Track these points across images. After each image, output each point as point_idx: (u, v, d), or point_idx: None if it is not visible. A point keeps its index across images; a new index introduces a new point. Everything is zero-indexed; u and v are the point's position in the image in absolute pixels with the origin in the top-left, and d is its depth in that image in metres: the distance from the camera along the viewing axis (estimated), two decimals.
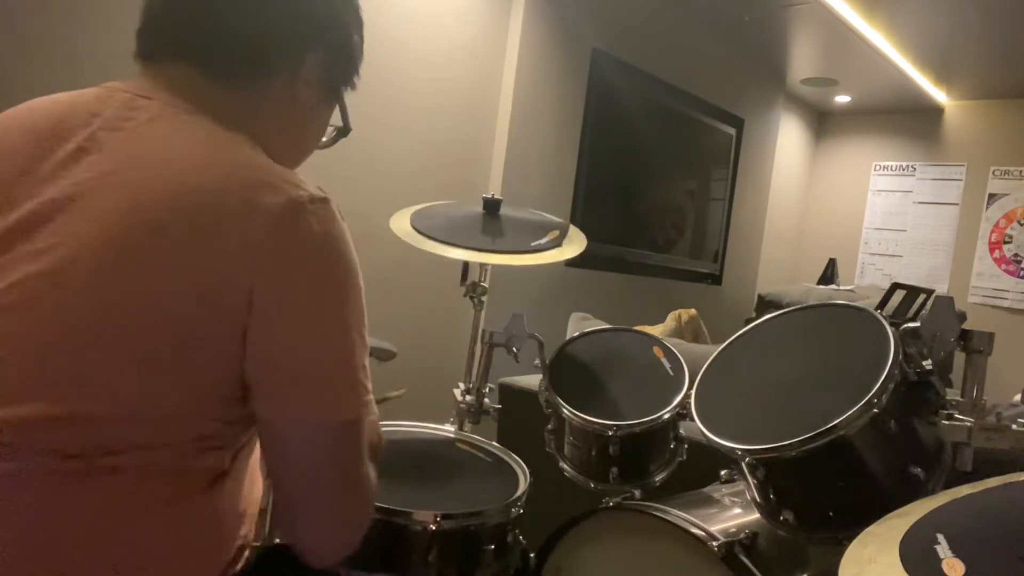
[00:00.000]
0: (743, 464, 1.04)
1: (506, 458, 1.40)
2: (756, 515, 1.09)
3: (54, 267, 0.64)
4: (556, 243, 1.54)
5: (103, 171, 0.67)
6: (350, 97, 0.92)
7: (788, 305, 2.91)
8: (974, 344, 0.98)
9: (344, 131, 0.93)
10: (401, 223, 1.58)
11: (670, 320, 2.63)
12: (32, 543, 0.64)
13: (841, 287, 4.60)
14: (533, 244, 1.52)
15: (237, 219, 0.65)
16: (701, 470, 1.35)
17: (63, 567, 0.64)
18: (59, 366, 0.64)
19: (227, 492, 0.74)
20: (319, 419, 0.69)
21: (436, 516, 1.13)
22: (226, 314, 0.65)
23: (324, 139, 0.93)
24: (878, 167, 5.10)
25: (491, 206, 1.64)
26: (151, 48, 0.78)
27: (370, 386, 0.73)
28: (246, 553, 0.78)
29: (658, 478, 1.37)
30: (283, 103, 0.81)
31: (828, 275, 4.92)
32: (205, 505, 0.71)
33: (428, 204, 1.71)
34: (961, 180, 4.73)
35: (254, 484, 0.80)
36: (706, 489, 1.31)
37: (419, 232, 1.54)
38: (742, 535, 1.06)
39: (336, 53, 0.85)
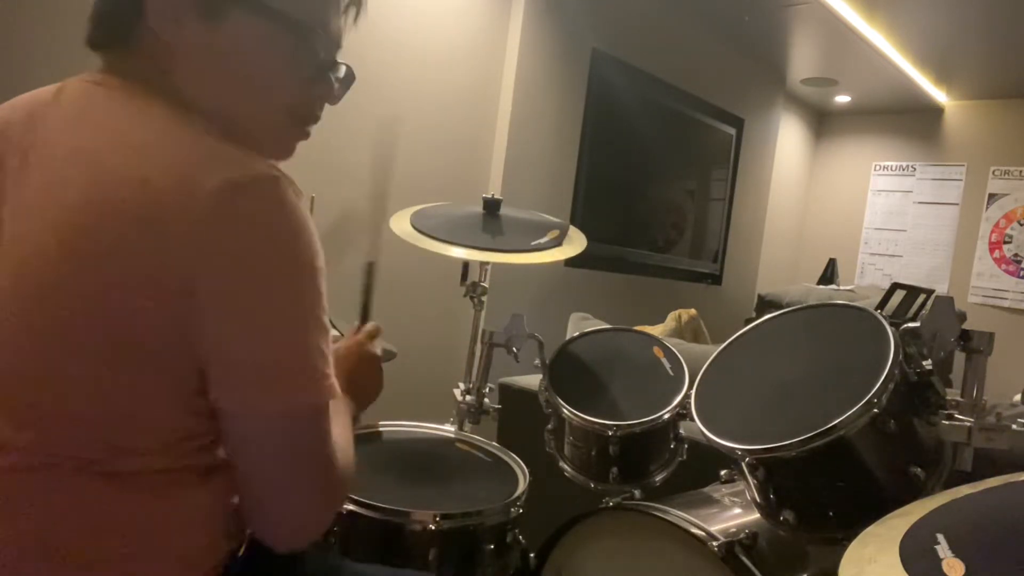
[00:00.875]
0: (743, 464, 1.04)
1: (506, 458, 1.40)
2: (756, 515, 1.09)
3: (7, 271, 0.65)
4: (556, 242, 1.54)
5: (52, 171, 0.67)
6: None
7: (788, 305, 2.91)
8: (974, 344, 0.97)
9: (297, 29, 0.76)
10: (401, 223, 1.58)
11: (670, 320, 2.63)
12: (30, 538, 0.65)
13: (841, 287, 4.60)
14: (533, 243, 1.53)
15: (173, 208, 0.63)
16: (701, 470, 1.35)
17: (62, 561, 0.65)
18: (26, 372, 0.64)
19: (222, 484, 0.74)
20: (272, 408, 0.68)
21: (435, 516, 1.13)
22: (174, 306, 0.64)
23: (336, 85, 0.82)
24: (878, 167, 5.10)
25: (491, 206, 1.64)
26: (90, 40, 0.76)
27: (329, 370, 0.70)
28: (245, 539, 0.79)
29: (658, 478, 1.37)
30: (166, 49, 0.72)
31: (828, 275, 4.92)
32: (201, 498, 0.72)
33: (428, 204, 1.71)
34: (961, 180, 4.73)
35: None
36: (706, 489, 1.31)
37: (419, 231, 1.54)
38: (742, 535, 1.06)
39: None
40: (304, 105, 0.80)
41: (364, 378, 0.99)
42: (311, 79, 0.79)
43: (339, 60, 0.83)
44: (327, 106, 0.84)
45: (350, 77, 0.85)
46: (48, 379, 0.65)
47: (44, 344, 0.64)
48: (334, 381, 0.70)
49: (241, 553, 0.77)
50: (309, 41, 0.77)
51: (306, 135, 0.83)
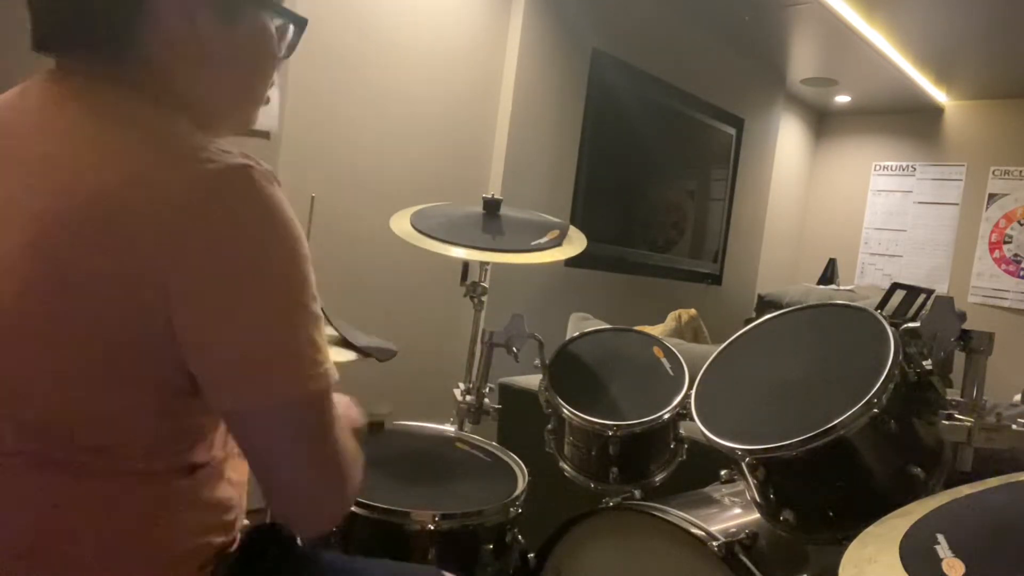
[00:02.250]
0: (743, 464, 1.04)
1: (505, 458, 1.40)
2: (756, 515, 1.10)
3: None
4: (556, 243, 1.54)
5: (11, 180, 0.66)
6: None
7: (788, 305, 2.91)
8: (974, 344, 0.97)
9: (299, 23, 0.81)
10: (401, 223, 1.58)
11: (670, 320, 2.63)
12: (16, 538, 0.65)
13: (841, 287, 4.60)
14: (533, 243, 1.52)
15: (142, 211, 0.62)
16: (701, 470, 1.35)
17: (49, 560, 0.66)
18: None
19: (206, 480, 0.74)
20: (266, 404, 0.66)
21: (435, 516, 1.13)
22: (148, 310, 0.63)
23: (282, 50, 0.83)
24: (878, 167, 5.10)
25: (491, 206, 1.64)
26: (39, 37, 0.73)
27: (321, 357, 0.68)
28: (237, 536, 0.79)
29: (658, 478, 1.37)
30: (171, 48, 0.72)
31: (828, 275, 4.92)
32: (184, 496, 0.72)
33: (428, 205, 1.71)
34: (961, 180, 4.73)
35: (235, 470, 0.80)
36: (706, 489, 1.31)
37: (419, 231, 1.54)
38: (742, 535, 1.06)
39: None
40: (269, 82, 0.82)
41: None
42: (281, 59, 0.82)
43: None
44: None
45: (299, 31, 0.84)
46: (15, 385, 0.64)
47: (16, 350, 0.64)
48: (328, 368, 0.69)
49: (234, 549, 0.77)
50: (286, 27, 0.79)
51: (267, 101, 0.84)
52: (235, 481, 0.80)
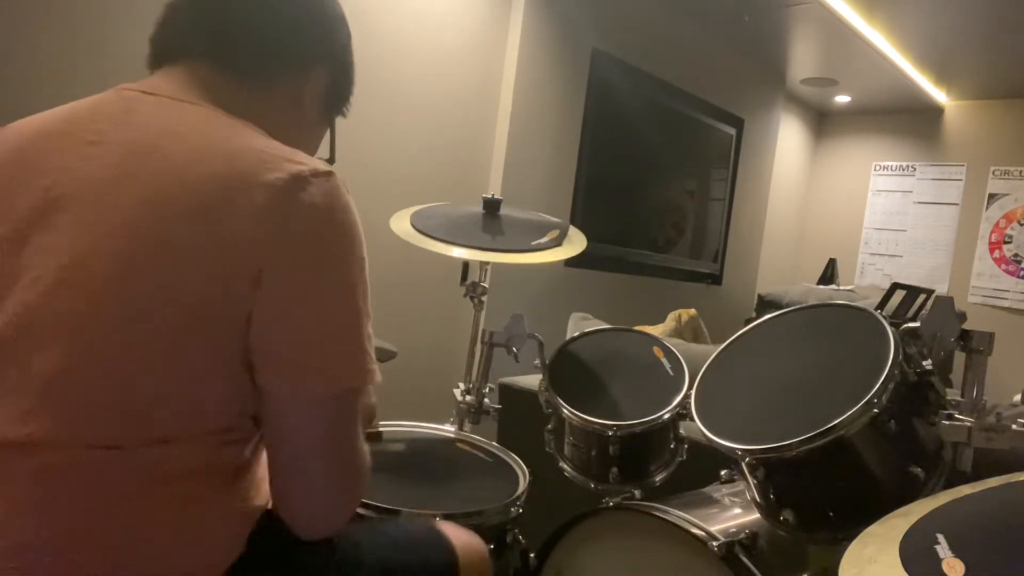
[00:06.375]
0: (743, 464, 1.05)
1: (506, 458, 1.40)
2: (756, 515, 1.10)
3: (75, 260, 0.66)
4: (556, 243, 1.54)
5: (109, 163, 0.70)
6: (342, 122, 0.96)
7: (788, 305, 2.91)
8: (974, 344, 0.97)
9: (329, 161, 0.96)
10: (401, 223, 1.58)
11: (670, 320, 2.63)
12: (69, 532, 0.65)
13: (841, 287, 4.60)
14: (533, 243, 1.52)
15: (241, 201, 0.67)
16: (701, 470, 1.35)
17: (90, 559, 0.66)
18: (87, 359, 0.65)
19: (247, 484, 0.76)
20: (322, 388, 0.71)
21: (436, 516, 1.13)
22: (236, 295, 0.67)
23: None
24: (878, 167, 5.10)
25: (491, 206, 1.64)
26: (163, 47, 0.81)
27: (374, 354, 0.74)
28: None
29: (658, 478, 1.37)
30: (289, 105, 0.86)
31: (828, 275, 4.92)
32: (228, 498, 0.73)
33: (428, 205, 1.71)
34: (961, 180, 4.73)
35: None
36: (706, 489, 1.31)
37: (419, 231, 1.54)
38: (742, 535, 1.06)
39: (339, 74, 0.91)
40: None
41: None
42: None
43: None
44: None
45: None
46: (104, 364, 0.65)
47: (106, 328, 0.65)
48: (376, 368, 0.74)
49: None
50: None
51: None
52: (265, 496, 0.81)
